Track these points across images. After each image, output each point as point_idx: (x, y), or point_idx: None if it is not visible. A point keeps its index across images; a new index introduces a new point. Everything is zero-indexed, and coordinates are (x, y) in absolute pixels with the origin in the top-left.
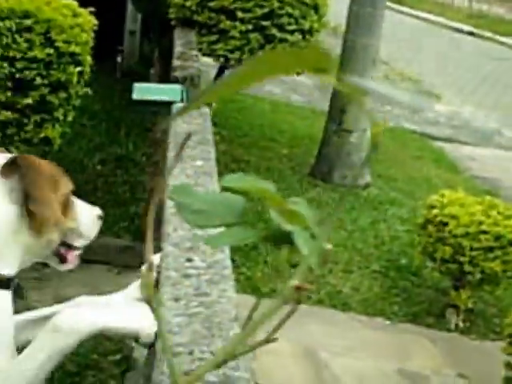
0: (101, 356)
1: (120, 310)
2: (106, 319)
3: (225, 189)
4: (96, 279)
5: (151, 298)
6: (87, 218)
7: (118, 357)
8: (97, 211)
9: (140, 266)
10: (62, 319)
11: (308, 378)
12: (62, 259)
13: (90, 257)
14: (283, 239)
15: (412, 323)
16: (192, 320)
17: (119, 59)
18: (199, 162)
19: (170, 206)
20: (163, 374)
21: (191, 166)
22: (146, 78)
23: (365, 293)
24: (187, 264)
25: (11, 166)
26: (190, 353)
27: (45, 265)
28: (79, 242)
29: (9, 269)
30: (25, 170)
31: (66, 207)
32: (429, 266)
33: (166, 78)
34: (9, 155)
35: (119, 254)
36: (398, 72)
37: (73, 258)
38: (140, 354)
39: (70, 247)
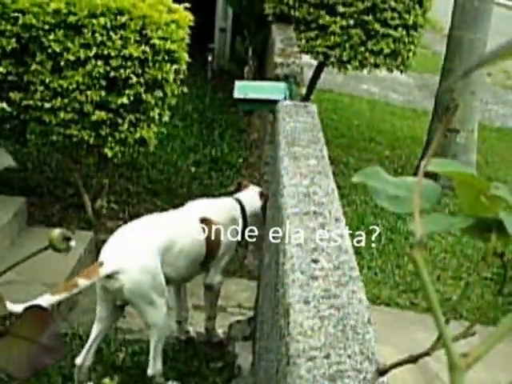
0: (202, 363)
1: None
2: None
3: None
4: None
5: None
6: None
7: (220, 364)
8: None
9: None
10: None
11: None
12: None
13: None
14: (491, 226)
15: None
16: (324, 323)
17: (210, 58)
18: (313, 161)
19: (288, 207)
20: (301, 377)
21: (305, 166)
22: (238, 77)
23: (476, 301)
24: (313, 265)
25: None
26: (327, 356)
27: None
28: None
29: None
30: None
31: None
32: None
33: (261, 76)
34: None
35: None
36: (502, 69)
37: None
38: (244, 360)
39: None
